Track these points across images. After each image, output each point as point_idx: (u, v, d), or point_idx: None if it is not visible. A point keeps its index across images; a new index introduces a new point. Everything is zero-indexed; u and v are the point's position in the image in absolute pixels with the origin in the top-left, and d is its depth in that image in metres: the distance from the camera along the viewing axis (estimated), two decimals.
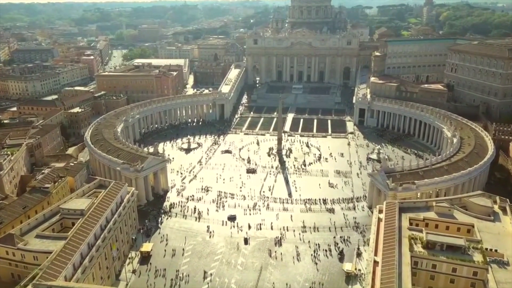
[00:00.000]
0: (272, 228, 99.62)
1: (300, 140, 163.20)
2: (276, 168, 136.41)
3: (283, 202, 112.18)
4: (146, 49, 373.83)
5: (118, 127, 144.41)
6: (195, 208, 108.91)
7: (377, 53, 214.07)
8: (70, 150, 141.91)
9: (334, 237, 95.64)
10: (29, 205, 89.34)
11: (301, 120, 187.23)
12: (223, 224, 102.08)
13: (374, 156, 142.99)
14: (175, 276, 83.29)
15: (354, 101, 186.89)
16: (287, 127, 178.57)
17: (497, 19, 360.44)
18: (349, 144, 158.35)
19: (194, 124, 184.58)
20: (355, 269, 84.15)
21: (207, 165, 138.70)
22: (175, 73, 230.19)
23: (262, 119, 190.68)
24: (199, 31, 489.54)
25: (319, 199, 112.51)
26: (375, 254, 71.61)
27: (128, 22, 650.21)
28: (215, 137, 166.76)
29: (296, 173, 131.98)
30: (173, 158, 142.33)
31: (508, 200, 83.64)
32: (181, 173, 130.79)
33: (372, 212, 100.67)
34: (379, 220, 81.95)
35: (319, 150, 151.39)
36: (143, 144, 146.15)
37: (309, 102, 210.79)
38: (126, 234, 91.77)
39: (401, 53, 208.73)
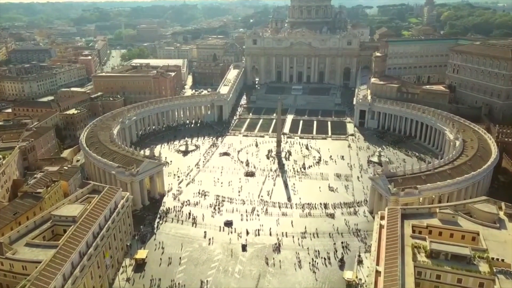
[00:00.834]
0: (270, 234, 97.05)
1: (299, 142, 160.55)
2: (275, 171, 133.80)
3: (282, 207, 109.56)
4: (145, 49, 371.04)
5: (114, 129, 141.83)
6: (189, 213, 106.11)
7: (378, 54, 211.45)
8: (66, 153, 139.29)
9: (335, 244, 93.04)
10: (20, 211, 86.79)
11: (301, 121, 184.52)
12: (220, 230, 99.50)
13: (375, 159, 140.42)
14: (170, 285, 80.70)
15: (354, 102, 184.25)
16: (286, 128, 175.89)
17: (499, 19, 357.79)
18: (349, 146, 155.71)
19: (192, 125, 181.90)
20: (356, 277, 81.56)
21: (204, 168, 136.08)
22: (173, 74, 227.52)
23: (261, 120, 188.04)
24: (198, 31, 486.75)
25: (319, 204, 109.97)
26: (377, 264, 69.13)
27: (127, 22, 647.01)
28: (213, 139, 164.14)
29: (296, 176, 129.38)
30: (171, 161, 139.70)
31: None
32: (178, 177, 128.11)
33: (373, 217, 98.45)
34: (381, 227, 79.50)
35: (319, 153, 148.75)
36: (140, 147, 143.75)
37: (309, 103, 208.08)
38: (120, 241, 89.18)
39: (402, 54, 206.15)
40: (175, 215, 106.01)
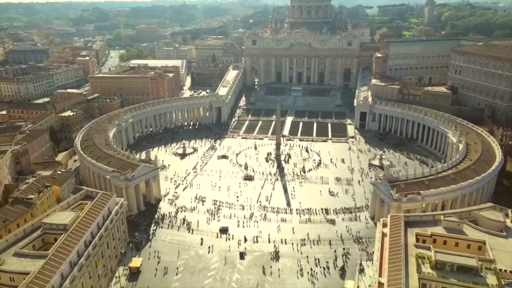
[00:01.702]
0: (269, 241, 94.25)
1: (299, 145, 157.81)
2: (274, 174, 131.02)
3: (281, 212, 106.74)
4: (143, 49, 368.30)
5: (110, 132, 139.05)
6: (185, 219, 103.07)
7: (379, 54, 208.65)
8: (60, 156, 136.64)
9: (335, 251, 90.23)
10: (10, 218, 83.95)
11: (300, 123, 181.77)
12: (217, 237, 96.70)
13: (376, 162, 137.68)
14: None
15: (355, 104, 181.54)
16: (286, 131, 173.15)
17: (500, 19, 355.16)
18: (350, 149, 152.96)
19: (190, 127, 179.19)
20: (357, 287, 78.73)
21: (202, 172, 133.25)
22: (171, 75, 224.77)
23: (260, 122, 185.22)
24: (197, 31, 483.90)
25: (319, 209, 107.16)
26: (380, 275, 66.33)
27: (126, 22, 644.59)
28: (212, 141, 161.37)
29: (295, 180, 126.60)
30: (168, 165, 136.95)
31: None
32: (175, 181, 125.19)
33: (374, 224, 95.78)
34: (383, 235, 76.74)
35: (319, 156, 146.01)
36: (136, 149, 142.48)
37: (309, 105, 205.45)
38: (114, 249, 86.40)
39: (403, 54, 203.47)
40: (171, 221, 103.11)
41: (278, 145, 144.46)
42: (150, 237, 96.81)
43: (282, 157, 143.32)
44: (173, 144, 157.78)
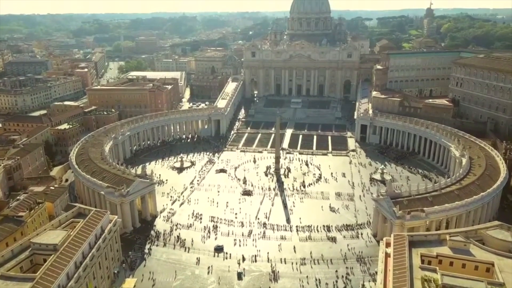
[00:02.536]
0: (268, 260, 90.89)
1: (299, 158, 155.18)
2: (274, 189, 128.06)
3: (281, 230, 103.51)
4: (143, 61, 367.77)
5: (106, 146, 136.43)
6: (181, 237, 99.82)
7: (379, 67, 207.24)
8: (55, 170, 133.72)
9: (336, 271, 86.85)
10: None
11: (300, 136, 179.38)
12: (214, 255, 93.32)
13: (377, 177, 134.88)
14: None
15: (355, 116, 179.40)
16: (285, 144, 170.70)
17: (499, 31, 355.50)
18: (350, 162, 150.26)
19: (189, 140, 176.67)
20: None
21: (200, 186, 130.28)
22: (170, 87, 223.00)
23: (259, 135, 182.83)
24: (197, 43, 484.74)
25: (320, 226, 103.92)
26: None
27: (126, 33, 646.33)
28: (210, 154, 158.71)
29: (295, 195, 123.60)
30: (166, 180, 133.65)
31: None
32: (171, 196, 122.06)
33: (377, 241, 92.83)
34: (387, 255, 73.44)
35: (319, 170, 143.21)
36: (133, 163, 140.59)
37: (309, 117, 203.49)
38: (107, 269, 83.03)
39: (403, 66, 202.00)
40: (167, 239, 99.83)
41: (277, 158, 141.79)
42: (145, 256, 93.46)
43: (282, 171, 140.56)
44: (171, 158, 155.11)
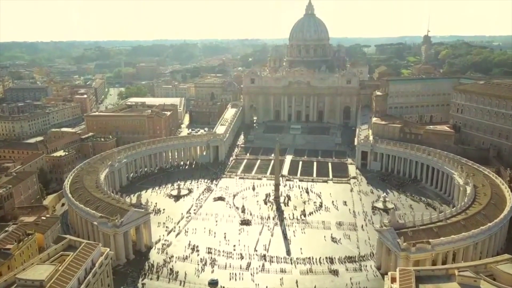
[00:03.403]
0: None
1: (299, 185, 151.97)
2: (273, 218, 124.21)
3: (281, 262, 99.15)
4: (142, 87, 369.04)
5: (102, 173, 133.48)
6: (176, 270, 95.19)
7: (379, 93, 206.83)
8: (49, 199, 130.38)
9: None
10: None
11: (300, 162, 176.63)
12: None
13: (380, 205, 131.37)
14: None
15: (355, 143, 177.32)
16: (285, 170, 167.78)
17: (497, 58, 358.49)
18: (352, 190, 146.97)
19: (187, 167, 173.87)
20: None
21: (197, 215, 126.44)
22: (169, 113, 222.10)
23: (258, 161, 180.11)
24: (197, 69, 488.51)
25: (321, 258, 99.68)
26: None
27: (127, 60, 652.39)
28: (208, 181, 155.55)
29: (295, 225, 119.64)
30: (163, 209, 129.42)
31: None
32: (167, 227, 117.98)
33: (381, 275, 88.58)
34: None
35: (320, 197, 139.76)
36: (129, 191, 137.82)
37: (308, 143, 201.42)
38: None
39: (403, 93, 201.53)
40: (162, 272, 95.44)
41: (277, 186, 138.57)
42: None
43: (281, 199, 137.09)
44: (168, 185, 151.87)
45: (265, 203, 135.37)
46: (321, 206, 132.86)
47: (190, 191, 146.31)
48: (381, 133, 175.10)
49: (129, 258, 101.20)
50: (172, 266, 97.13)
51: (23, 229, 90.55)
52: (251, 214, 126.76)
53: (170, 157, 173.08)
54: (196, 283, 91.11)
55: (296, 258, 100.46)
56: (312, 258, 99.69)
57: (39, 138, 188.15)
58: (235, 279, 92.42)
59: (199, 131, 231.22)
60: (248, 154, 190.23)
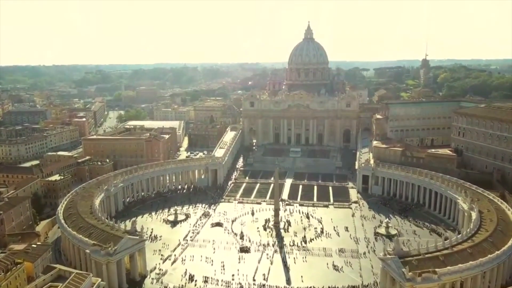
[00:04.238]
0: None
1: (299, 210, 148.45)
2: (273, 245, 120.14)
3: None
4: (142, 110, 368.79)
5: (97, 198, 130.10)
6: None
7: (379, 116, 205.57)
8: (42, 224, 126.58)
9: None
10: None
11: (300, 186, 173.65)
12: None
13: (382, 231, 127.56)
14: None
15: (356, 166, 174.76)
16: (285, 194, 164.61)
17: (496, 81, 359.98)
18: (353, 215, 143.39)
19: (184, 191, 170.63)
20: None
21: (194, 242, 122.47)
22: (167, 136, 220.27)
23: (258, 185, 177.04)
24: (197, 93, 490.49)
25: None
26: None
27: (127, 83, 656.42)
28: (206, 206, 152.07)
29: (296, 252, 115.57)
30: (160, 236, 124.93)
31: None
32: (162, 255, 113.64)
33: None
34: None
35: (321, 223, 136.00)
36: (125, 216, 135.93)
37: (308, 166, 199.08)
38: None
39: (403, 116, 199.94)
40: None
41: (276, 211, 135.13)
42: None
43: (281, 225, 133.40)
44: (165, 210, 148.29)
45: (265, 229, 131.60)
46: (322, 232, 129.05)
47: (187, 216, 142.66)
48: (382, 157, 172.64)
49: None
50: None
51: (12, 258, 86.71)
52: (250, 240, 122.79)
53: (167, 181, 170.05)
54: None
55: None
56: None
57: (35, 162, 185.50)
58: None
59: (197, 154, 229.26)
60: (247, 178, 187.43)
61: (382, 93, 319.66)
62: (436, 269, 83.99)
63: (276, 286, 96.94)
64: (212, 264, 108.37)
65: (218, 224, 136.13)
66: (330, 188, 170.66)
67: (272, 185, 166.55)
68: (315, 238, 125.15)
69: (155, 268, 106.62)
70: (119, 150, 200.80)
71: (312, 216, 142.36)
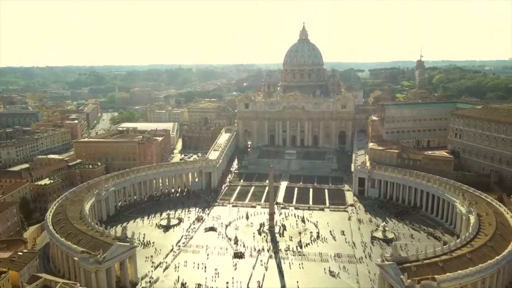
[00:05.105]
0: None
1: (294, 214, 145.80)
2: (268, 250, 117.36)
3: None
4: (135, 112, 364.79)
5: (87, 203, 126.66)
6: None
7: (374, 117, 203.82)
8: (30, 230, 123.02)
9: None
10: None
11: (296, 189, 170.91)
12: None
13: (379, 235, 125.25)
14: None
15: (352, 168, 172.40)
16: (280, 197, 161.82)
17: (491, 82, 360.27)
18: (349, 218, 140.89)
19: (178, 194, 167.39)
20: None
21: (186, 248, 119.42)
22: (160, 139, 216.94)
23: (253, 188, 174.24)
24: (191, 94, 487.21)
25: None
26: None
27: (121, 85, 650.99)
28: (199, 210, 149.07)
29: (291, 257, 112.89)
30: (152, 242, 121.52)
31: None
32: (153, 262, 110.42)
33: None
34: None
35: (317, 227, 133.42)
36: (116, 221, 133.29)
37: (303, 169, 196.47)
38: None
39: (399, 117, 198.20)
40: None
41: (271, 215, 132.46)
42: None
43: (276, 229, 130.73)
44: (157, 214, 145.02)
45: (259, 234, 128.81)
46: (318, 236, 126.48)
47: (180, 220, 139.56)
48: (378, 159, 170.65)
49: None
50: None
51: None
52: (244, 245, 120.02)
53: (160, 185, 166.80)
54: None
55: None
56: None
57: (24, 165, 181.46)
58: None
59: (191, 156, 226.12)
60: (242, 181, 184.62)
61: (377, 94, 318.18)
62: (435, 276, 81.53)
63: None
64: (205, 271, 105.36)
65: (212, 229, 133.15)
66: (326, 191, 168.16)
67: (267, 188, 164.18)
68: (311, 242, 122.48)
69: (146, 275, 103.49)
70: (111, 153, 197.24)
71: (308, 220, 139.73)
